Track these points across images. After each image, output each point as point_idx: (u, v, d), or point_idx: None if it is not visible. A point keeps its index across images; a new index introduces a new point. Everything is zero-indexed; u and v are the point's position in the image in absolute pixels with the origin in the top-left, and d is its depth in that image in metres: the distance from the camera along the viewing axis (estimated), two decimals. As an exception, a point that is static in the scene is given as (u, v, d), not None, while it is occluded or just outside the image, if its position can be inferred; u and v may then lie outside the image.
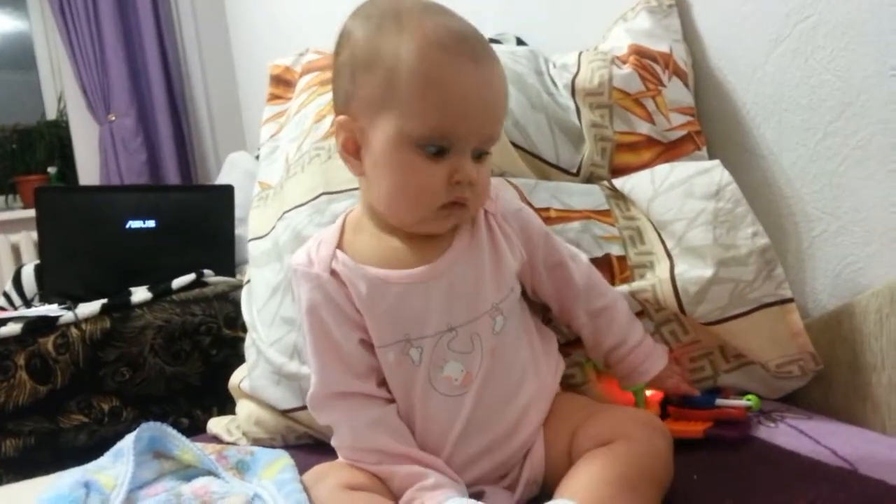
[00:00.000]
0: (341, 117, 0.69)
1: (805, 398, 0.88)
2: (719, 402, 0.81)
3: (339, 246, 0.71)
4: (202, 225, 1.69)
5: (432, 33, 0.64)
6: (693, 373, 0.88)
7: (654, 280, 0.85)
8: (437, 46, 0.64)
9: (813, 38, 0.89)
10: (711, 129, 1.03)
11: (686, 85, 1.01)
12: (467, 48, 0.65)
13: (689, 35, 1.06)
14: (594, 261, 0.85)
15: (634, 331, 0.81)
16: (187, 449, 0.74)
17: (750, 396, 0.85)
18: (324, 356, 0.69)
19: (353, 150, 0.69)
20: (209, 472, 0.73)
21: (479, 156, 0.68)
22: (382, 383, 0.70)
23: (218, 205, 1.73)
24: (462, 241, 0.71)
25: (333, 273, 0.69)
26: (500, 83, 0.68)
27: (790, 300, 0.82)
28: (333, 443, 0.71)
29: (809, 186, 0.93)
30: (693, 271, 0.82)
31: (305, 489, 0.66)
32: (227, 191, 1.77)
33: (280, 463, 0.72)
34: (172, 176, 3.14)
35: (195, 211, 1.75)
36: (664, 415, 0.81)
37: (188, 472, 0.74)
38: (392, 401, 0.70)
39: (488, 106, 0.67)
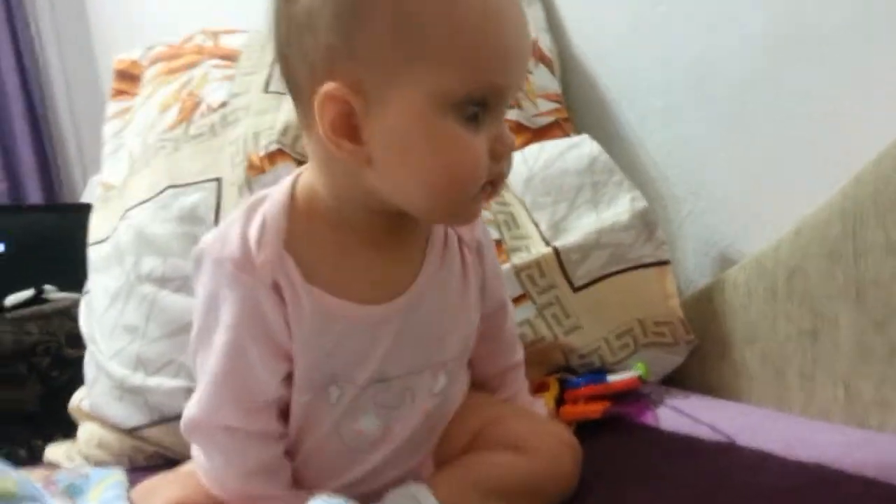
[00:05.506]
0: (330, 84, 0.46)
1: (683, 376, 0.88)
2: (610, 377, 0.80)
3: (286, 244, 0.53)
4: (59, 246, 1.58)
5: None
6: (584, 367, 0.86)
7: (537, 254, 0.84)
8: None
9: (667, 23, 0.90)
10: (578, 115, 1.03)
11: (552, 72, 1.01)
12: None
13: (554, 25, 1.06)
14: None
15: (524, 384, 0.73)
16: (6, 476, 0.64)
17: (638, 365, 0.83)
18: (227, 384, 0.53)
19: (345, 132, 0.48)
20: (34, 500, 0.64)
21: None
22: (279, 415, 0.57)
23: (76, 225, 1.62)
24: (432, 261, 0.57)
25: (275, 286, 0.52)
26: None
27: (667, 262, 0.84)
28: (197, 460, 0.58)
29: (674, 168, 0.94)
30: (575, 240, 0.83)
31: None
32: (86, 210, 1.67)
33: (109, 480, 0.63)
34: (36, 199, 2.91)
35: (51, 232, 1.67)
36: (561, 401, 0.79)
37: (8, 504, 0.65)
38: (283, 435, 0.57)
39: (526, 42, 0.52)
